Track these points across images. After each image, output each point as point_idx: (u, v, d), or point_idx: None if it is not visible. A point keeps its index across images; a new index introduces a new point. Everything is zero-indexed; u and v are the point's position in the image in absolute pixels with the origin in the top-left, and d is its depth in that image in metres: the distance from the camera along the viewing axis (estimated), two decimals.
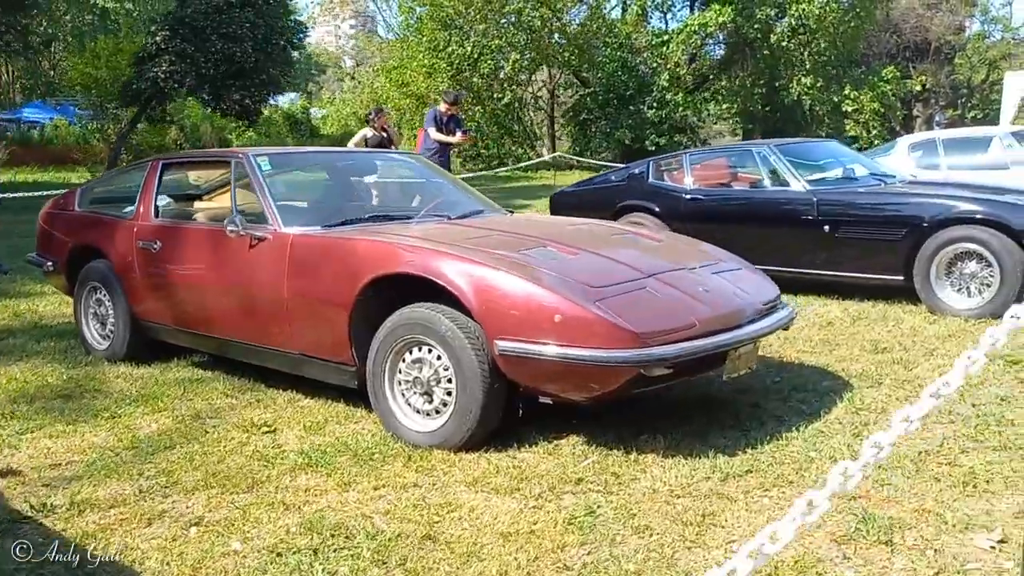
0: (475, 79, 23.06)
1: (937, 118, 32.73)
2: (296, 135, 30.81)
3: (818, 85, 25.48)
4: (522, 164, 20.02)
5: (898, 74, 25.69)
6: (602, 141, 25.33)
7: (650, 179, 7.38)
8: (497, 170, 21.15)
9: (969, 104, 37.50)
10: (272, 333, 3.99)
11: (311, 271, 3.81)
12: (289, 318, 3.89)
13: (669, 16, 27.75)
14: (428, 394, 3.51)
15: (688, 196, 7.12)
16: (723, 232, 6.94)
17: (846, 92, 24.98)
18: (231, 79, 20.10)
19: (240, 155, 4.34)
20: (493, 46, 22.80)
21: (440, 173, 5.15)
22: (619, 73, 25.15)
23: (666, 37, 25.12)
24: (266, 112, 31.22)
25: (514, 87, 23.74)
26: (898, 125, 25.66)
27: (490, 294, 3.30)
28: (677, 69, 25.26)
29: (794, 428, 3.65)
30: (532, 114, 27.68)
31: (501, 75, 22.94)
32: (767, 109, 27.39)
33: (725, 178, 7.22)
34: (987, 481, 3.07)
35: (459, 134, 10.18)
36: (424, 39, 23.10)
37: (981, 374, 4.42)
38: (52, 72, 40.85)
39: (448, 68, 22.94)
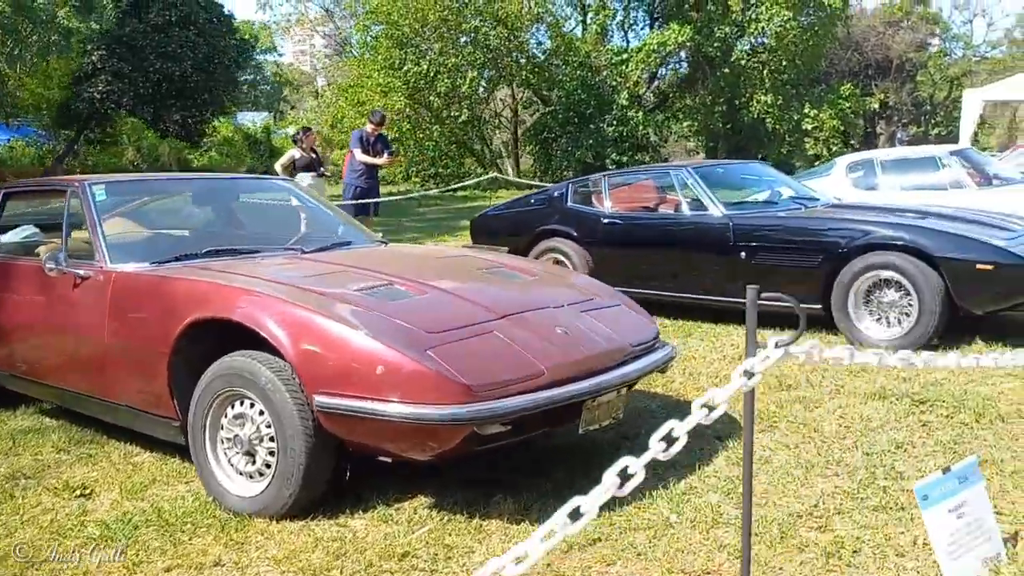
0: (432, 97, 22.76)
1: (899, 135, 32.83)
2: (255, 155, 30.35)
3: (778, 103, 25.39)
4: (465, 183, 19.54)
5: (857, 91, 25.67)
6: (563, 159, 25.08)
7: (569, 202, 7.07)
8: (439, 190, 20.78)
9: (932, 121, 37.76)
10: (98, 383, 3.61)
11: (131, 314, 3.44)
12: (113, 366, 3.51)
13: (631, 34, 27.66)
14: (251, 454, 3.14)
15: (606, 220, 6.80)
16: (641, 258, 6.67)
17: (806, 110, 24.90)
18: (171, 99, 19.61)
19: (76, 184, 3.97)
20: (449, 64, 22.52)
21: (314, 200, 4.80)
22: (579, 91, 24.94)
23: (625, 56, 24.97)
24: (226, 132, 30.80)
25: (472, 105, 23.44)
26: (858, 143, 25.63)
27: (309, 342, 2.95)
28: (637, 88, 25.11)
29: (664, 483, 3.32)
30: (495, 133, 27.40)
31: (459, 93, 22.61)
32: (728, 127, 27.27)
33: (644, 201, 6.92)
34: (854, 552, 2.74)
35: (386, 155, 9.85)
36: (380, 58, 22.79)
37: (883, 416, 4.12)
38: (17, 93, 40.26)
39: (404, 87, 22.64)
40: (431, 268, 3.83)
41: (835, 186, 9.50)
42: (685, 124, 26.83)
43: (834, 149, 25.18)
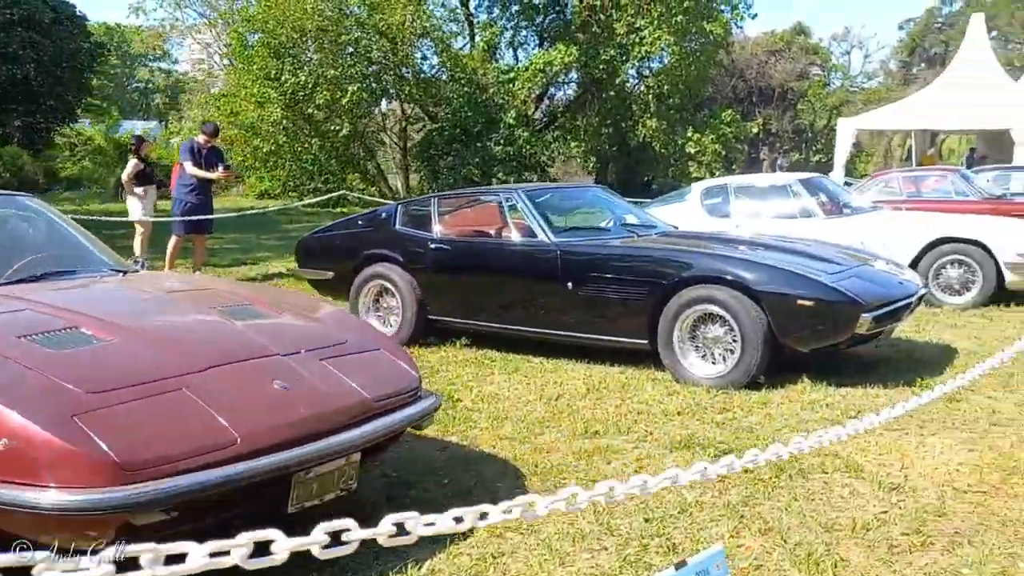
0: (311, 110, 21.95)
1: (780, 162, 33.70)
2: (124, 165, 28.79)
3: (663, 128, 25.61)
4: (316, 199, 18.67)
5: (738, 117, 26.14)
6: (449, 177, 24.63)
7: (397, 224, 6.55)
8: (282, 204, 19.96)
9: (813, 148, 39.02)
10: None
11: None
12: None
13: (521, 53, 27.48)
14: None
15: (434, 245, 6.32)
16: (470, 287, 6.22)
17: (689, 134, 25.17)
18: (13, 104, 18.21)
19: None
20: (329, 76, 21.77)
21: (48, 220, 4.14)
22: (465, 108, 24.57)
23: (512, 74, 24.75)
24: (100, 140, 29.14)
25: (354, 120, 22.70)
26: (739, 167, 26.10)
27: None
28: (525, 107, 24.89)
29: (412, 561, 2.82)
30: (382, 148, 26.70)
31: (340, 107, 21.85)
32: (615, 149, 27.38)
33: (474, 225, 6.47)
34: None
35: (221, 168, 9.16)
36: (255, 67, 21.87)
37: None
38: None
39: (280, 98, 21.77)
40: (149, 306, 3.25)
41: (690, 213, 9.31)
42: (573, 145, 26.76)
43: (716, 172, 25.55)
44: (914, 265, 8.20)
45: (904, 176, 12.12)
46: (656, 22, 23.23)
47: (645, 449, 4.08)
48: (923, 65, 44.34)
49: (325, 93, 21.91)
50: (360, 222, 6.89)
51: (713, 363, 5.26)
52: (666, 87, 25.79)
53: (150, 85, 34.54)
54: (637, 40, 23.97)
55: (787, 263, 5.26)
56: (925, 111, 22.83)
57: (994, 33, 42.22)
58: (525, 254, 5.92)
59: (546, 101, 28.41)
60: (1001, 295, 8.07)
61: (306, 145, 22.79)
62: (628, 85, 25.18)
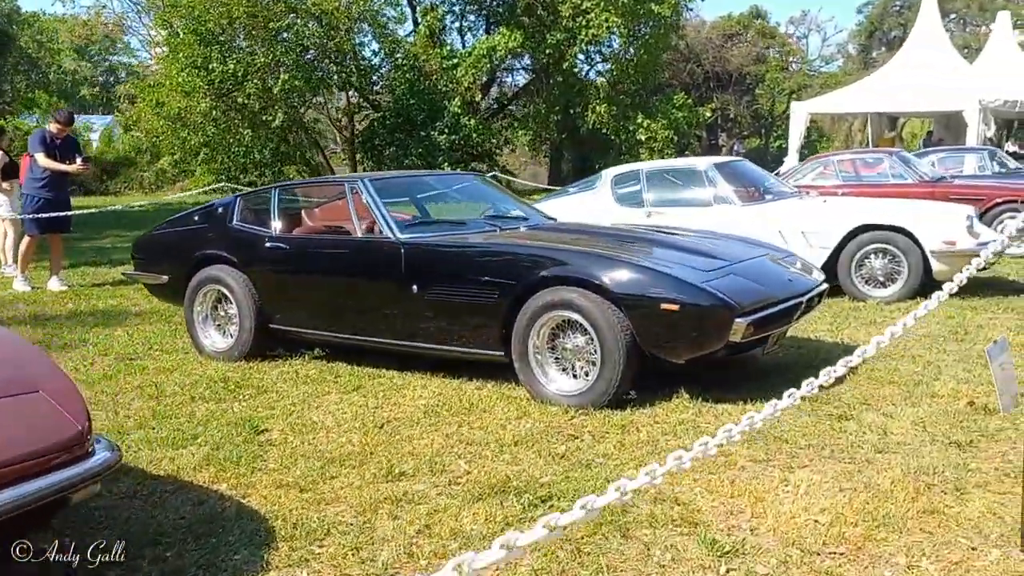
0: (241, 99, 20.96)
1: (736, 147, 33.11)
2: None
3: (613, 113, 24.89)
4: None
5: (690, 101, 25.46)
6: (392, 167, 23.77)
7: (235, 220, 5.73)
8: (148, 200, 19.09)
9: (774, 133, 38.50)
10: None
11: None
12: None
13: (469, 39, 26.63)
14: None
15: (270, 243, 5.51)
16: (311, 292, 5.41)
17: (639, 120, 24.45)
18: None
19: None
20: (259, 64, 20.82)
21: None
22: (407, 96, 23.72)
23: (456, 60, 23.89)
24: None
25: (288, 109, 21.75)
26: (692, 153, 25.43)
27: None
28: (470, 93, 24.04)
29: None
30: (321, 139, 25.75)
31: (272, 96, 20.90)
32: (564, 137, 26.65)
33: (317, 219, 5.67)
34: None
35: (79, 161, 8.28)
36: (181, 56, 20.84)
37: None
38: None
39: (208, 87, 20.77)
40: None
41: (600, 202, 8.58)
42: (520, 133, 25.97)
43: (667, 159, 24.89)
44: (835, 255, 7.54)
45: (840, 159, 11.45)
46: (602, 4, 22.47)
47: (449, 497, 3.32)
48: (883, 49, 43.93)
49: (256, 82, 20.97)
50: (196, 217, 6.04)
51: (575, 378, 4.52)
52: (615, 72, 25.12)
53: (76, 76, 33.06)
54: (584, 23, 23.22)
55: (656, 261, 4.52)
56: (879, 94, 22.30)
57: (952, 16, 41.89)
58: (367, 252, 5.14)
59: (495, 88, 27.62)
60: (931, 287, 7.39)
61: (238, 136, 21.80)
62: (576, 70, 24.43)
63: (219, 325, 5.76)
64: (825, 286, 5.14)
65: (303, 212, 5.78)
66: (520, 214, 5.74)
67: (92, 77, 31.87)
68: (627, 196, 8.53)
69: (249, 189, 10.14)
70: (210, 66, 20.72)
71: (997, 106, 20.48)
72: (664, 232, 5.36)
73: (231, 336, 5.63)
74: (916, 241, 7.24)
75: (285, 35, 21.14)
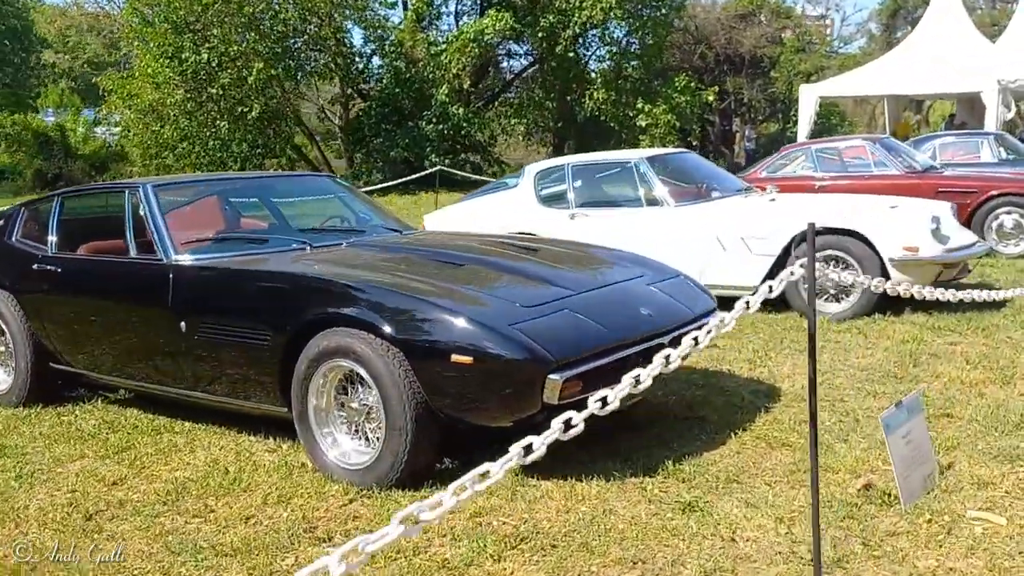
0: (214, 90, 20.07)
1: (748, 133, 31.66)
2: (45, 155, 27.05)
3: (611, 99, 23.68)
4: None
5: (692, 84, 24.13)
6: (378, 160, 22.82)
7: (13, 235, 4.78)
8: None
9: (792, 118, 36.92)
10: None
11: None
12: None
13: (467, 21, 25.40)
14: None
15: (41, 265, 4.55)
16: (83, 324, 4.43)
17: (639, 106, 23.20)
18: None
19: None
20: (232, 52, 19.91)
21: None
22: (392, 85, 22.71)
23: (443, 46, 22.76)
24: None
25: (266, 100, 20.81)
26: (695, 140, 24.15)
27: None
28: (457, 81, 22.93)
29: None
30: (301, 130, 24.70)
31: (246, 86, 19.99)
32: (559, 126, 25.51)
33: (96, 234, 4.69)
34: None
35: None
36: (152, 45, 20.00)
37: None
38: None
39: (180, 78, 19.91)
40: None
41: (521, 201, 7.54)
42: (514, 121, 24.86)
43: (669, 147, 23.67)
44: (780, 264, 6.43)
45: (818, 148, 10.27)
46: None
47: None
48: (908, 28, 42.06)
49: (229, 72, 20.09)
50: None
51: (368, 443, 3.51)
52: (615, 56, 23.97)
53: (55, 70, 32.36)
54: (577, 4, 22.02)
55: (464, 295, 3.47)
56: (893, 75, 20.91)
57: None
58: (137, 276, 4.15)
59: (490, 75, 26.49)
60: (890, 301, 6.28)
61: (214, 129, 20.93)
62: (572, 55, 23.22)
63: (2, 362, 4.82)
64: (713, 319, 4.07)
65: (86, 225, 4.80)
66: (357, 226, 4.72)
67: (71, 70, 31.20)
68: (551, 195, 7.48)
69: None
70: (183, 56, 19.85)
71: (1018, 87, 19.00)
72: (517, 249, 4.32)
73: (7, 377, 4.69)
74: (873, 247, 6.12)
75: (261, 22, 20.18)
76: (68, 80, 32.69)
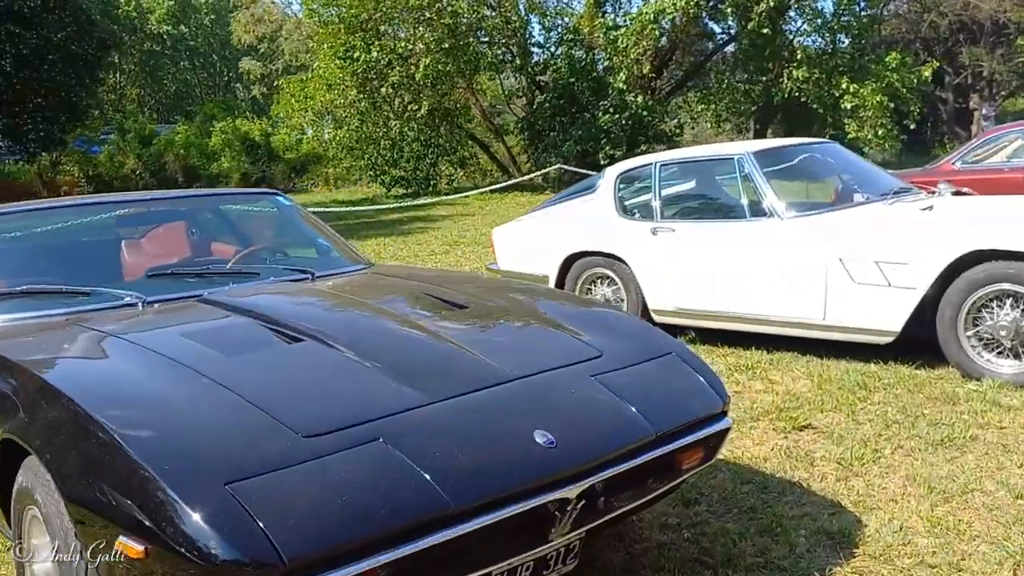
0: (385, 89, 19.70)
1: (986, 111, 27.28)
2: (251, 158, 28.25)
3: (813, 78, 21.00)
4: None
5: (908, 60, 20.81)
6: (552, 155, 21.61)
7: None
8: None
9: None
10: None
11: None
12: None
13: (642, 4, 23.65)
14: None
15: None
16: None
17: (844, 85, 20.35)
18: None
19: None
20: (401, 49, 19.44)
21: None
22: (567, 75, 21.41)
23: (621, 30, 21.08)
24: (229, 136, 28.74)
25: (437, 96, 20.20)
26: (912, 123, 20.84)
27: None
28: (637, 66, 21.18)
29: None
30: (481, 127, 24.00)
31: (415, 83, 19.47)
32: (755, 109, 23.03)
33: None
34: None
35: None
36: (326, 46, 19.95)
37: None
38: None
39: (353, 78, 19.72)
40: None
41: (600, 210, 6.01)
42: (700, 108, 22.74)
43: (880, 132, 20.62)
44: (932, 301, 4.50)
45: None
46: None
47: None
48: None
49: (399, 69, 19.66)
50: None
51: None
52: (818, 29, 21.28)
53: (249, 76, 33.81)
54: None
55: (187, 411, 2.11)
56: None
57: None
58: None
59: (678, 59, 24.44)
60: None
61: (385, 128, 20.63)
62: (765, 31, 20.74)
63: None
64: (697, 433, 2.44)
65: None
66: (256, 266, 3.45)
67: (267, 76, 32.56)
68: (634, 204, 5.89)
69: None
70: (354, 55, 19.65)
71: None
72: (434, 308, 2.89)
73: None
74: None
75: (429, 16, 19.55)
76: (261, 86, 34.22)
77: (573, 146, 20.84)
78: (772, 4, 19.94)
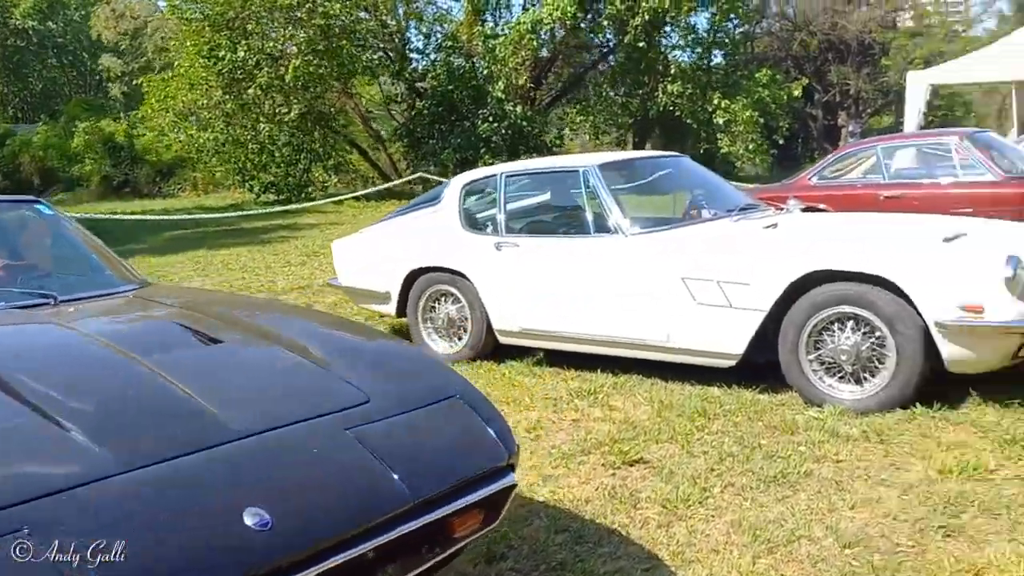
0: (252, 90, 18.83)
1: (852, 128, 28.42)
2: (114, 160, 26.72)
3: (687, 93, 21.32)
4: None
5: (777, 77, 21.39)
6: (430, 163, 21.16)
7: None
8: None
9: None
10: None
11: None
12: None
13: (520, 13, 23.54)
14: None
15: None
16: None
17: (716, 101, 20.71)
18: None
19: None
20: (269, 49, 18.64)
21: None
22: (446, 82, 21.05)
23: (498, 40, 20.85)
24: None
25: (309, 99, 19.43)
26: (780, 138, 21.42)
27: None
28: (515, 75, 21.00)
29: None
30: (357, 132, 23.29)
31: (285, 85, 18.67)
32: (632, 123, 23.23)
33: None
34: None
35: None
36: (189, 44, 18.94)
37: None
38: None
39: (218, 78, 18.76)
40: None
41: (445, 223, 5.61)
42: (579, 119, 22.77)
43: (751, 147, 21.10)
44: (775, 322, 4.30)
45: (886, 147, 7.90)
46: None
47: None
48: None
49: (267, 71, 18.83)
50: None
51: None
52: (691, 44, 21.63)
53: (109, 74, 32.13)
54: None
55: None
56: (1020, 57, 17.83)
57: None
58: None
59: (557, 70, 24.42)
60: (945, 385, 4.06)
61: (254, 132, 19.73)
62: (641, 45, 20.88)
63: None
64: (471, 496, 2.07)
65: None
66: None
67: (125, 74, 30.87)
68: (478, 216, 5.53)
69: None
70: (219, 54, 18.70)
71: None
72: (187, 340, 2.43)
73: None
74: (912, 304, 3.91)
75: (299, 16, 18.80)
76: (122, 85, 32.53)
77: (452, 154, 20.47)
78: (647, 18, 20.10)
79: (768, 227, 4.68)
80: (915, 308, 3.88)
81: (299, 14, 18.62)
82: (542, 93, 23.52)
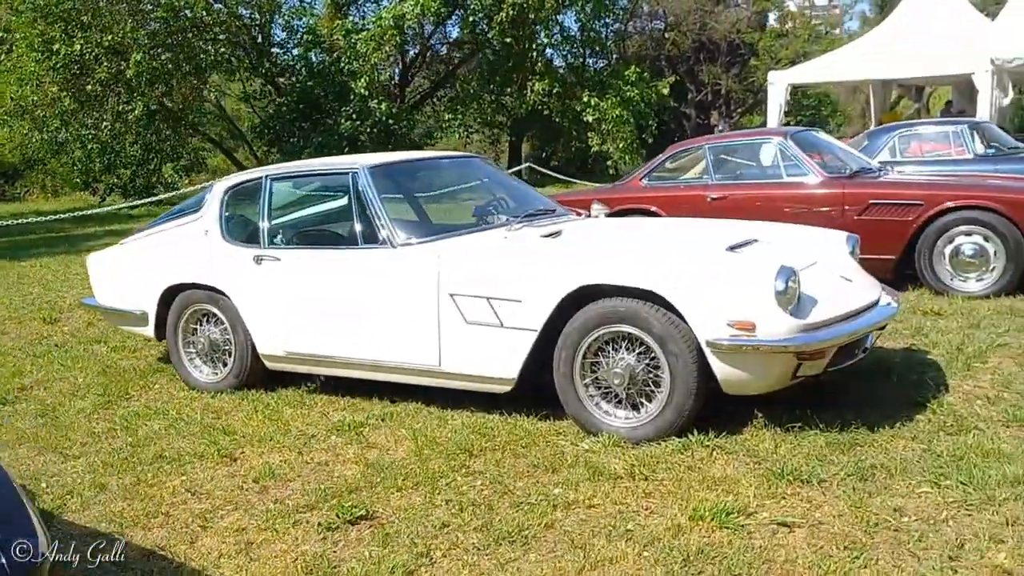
0: (91, 86, 17.52)
1: (721, 127, 28.85)
2: None
3: (555, 91, 21.03)
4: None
5: (645, 76, 21.34)
6: (291, 160, 20.21)
7: None
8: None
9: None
10: None
11: None
12: None
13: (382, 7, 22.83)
14: None
15: None
16: None
17: (585, 99, 20.49)
18: None
19: None
20: (109, 43, 17.38)
21: None
22: (306, 78, 20.18)
23: (360, 35, 20.09)
24: None
25: (151, 97, 18.20)
26: (650, 138, 21.40)
27: None
28: (377, 72, 20.28)
29: None
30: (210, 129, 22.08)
31: (126, 81, 17.45)
32: (501, 120, 22.84)
33: None
34: None
35: None
36: (18, 36, 17.49)
37: None
38: None
39: (52, 73, 17.40)
40: None
41: (202, 236, 4.94)
42: (448, 117, 22.23)
43: (621, 145, 20.95)
44: (549, 343, 3.83)
45: (714, 145, 7.62)
46: None
47: None
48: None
49: (107, 65, 17.56)
50: None
51: None
52: (556, 42, 21.35)
53: None
54: None
55: None
56: (874, 58, 18.18)
57: None
58: None
59: (425, 66, 23.83)
60: (730, 413, 3.68)
61: (96, 131, 18.40)
62: (507, 41, 20.49)
63: None
64: None
65: None
66: None
67: None
68: (241, 226, 4.89)
69: None
70: (53, 47, 17.33)
71: (1016, 67, 16.10)
72: None
73: None
74: (680, 316, 3.50)
75: (141, 8, 17.62)
76: None
77: (313, 152, 19.60)
78: (512, 14, 19.71)
79: (548, 236, 4.22)
80: (689, 326, 3.48)
81: (141, 5, 17.46)
82: (411, 91, 22.89)
